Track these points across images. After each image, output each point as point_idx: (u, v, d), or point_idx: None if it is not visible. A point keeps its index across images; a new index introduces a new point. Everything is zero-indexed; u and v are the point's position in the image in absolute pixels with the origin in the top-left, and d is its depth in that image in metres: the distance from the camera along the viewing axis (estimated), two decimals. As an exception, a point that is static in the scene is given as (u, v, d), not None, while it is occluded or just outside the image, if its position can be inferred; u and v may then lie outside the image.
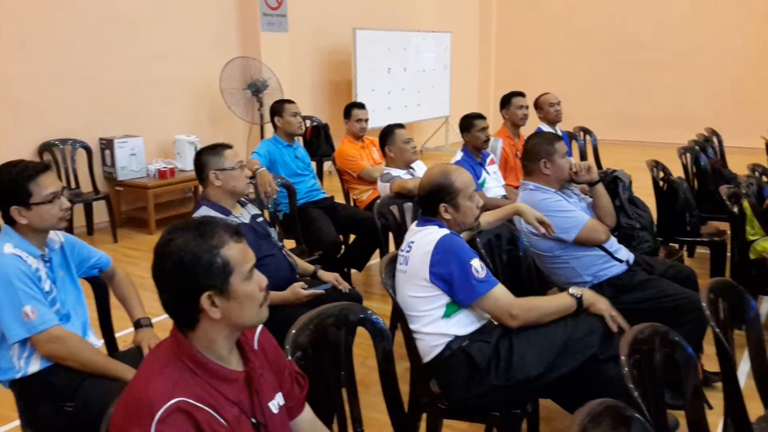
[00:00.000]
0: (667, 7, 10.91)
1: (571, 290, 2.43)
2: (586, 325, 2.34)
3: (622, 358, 1.69)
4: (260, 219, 3.13)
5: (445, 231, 2.40)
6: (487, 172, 4.46)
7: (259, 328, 1.63)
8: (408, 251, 2.42)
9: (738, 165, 5.64)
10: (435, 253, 2.32)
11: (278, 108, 4.62)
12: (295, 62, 8.18)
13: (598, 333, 2.32)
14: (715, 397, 2.62)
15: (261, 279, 1.50)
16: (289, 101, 4.68)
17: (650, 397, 1.73)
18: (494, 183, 4.51)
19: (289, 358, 1.82)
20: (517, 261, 3.00)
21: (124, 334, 3.04)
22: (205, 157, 2.92)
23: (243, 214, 3.01)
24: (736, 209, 3.63)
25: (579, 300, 2.38)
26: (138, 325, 2.50)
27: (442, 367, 2.33)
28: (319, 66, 8.96)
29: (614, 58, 11.36)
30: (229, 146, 2.99)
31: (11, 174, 2.20)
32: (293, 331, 1.90)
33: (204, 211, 2.83)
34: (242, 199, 3.08)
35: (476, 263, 2.32)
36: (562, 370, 2.24)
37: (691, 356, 1.85)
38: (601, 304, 2.41)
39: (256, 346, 1.60)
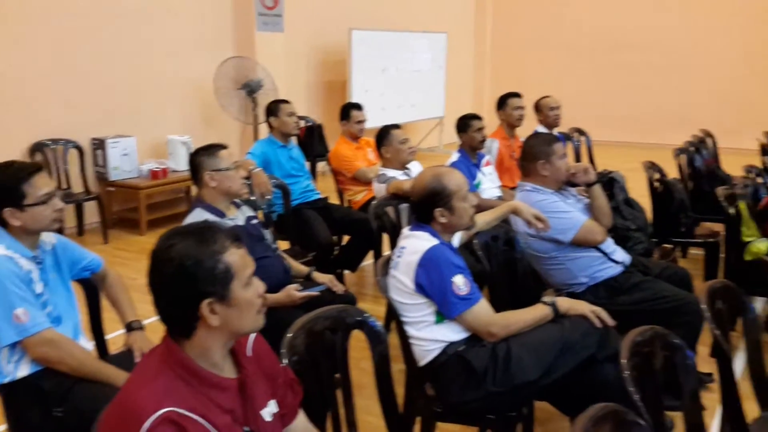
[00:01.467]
0: (663, 8, 10.92)
1: (545, 298, 2.43)
2: (583, 326, 2.32)
3: (623, 361, 1.67)
4: (255, 221, 3.10)
5: (434, 242, 2.36)
6: (483, 173, 4.45)
7: (253, 333, 1.60)
8: (399, 256, 2.40)
9: (732, 166, 5.66)
10: (420, 264, 2.30)
11: (274, 108, 4.59)
12: (290, 62, 8.14)
13: (595, 334, 2.31)
14: (707, 398, 2.61)
15: (259, 285, 1.48)
16: (285, 101, 4.66)
17: (649, 400, 1.72)
18: (490, 184, 4.49)
19: (285, 361, 1.80)
20: (513, 262, 2.98)
21: (114, 336, 3.00)
22: (200, 157, 2.89)
23: (237, 216, 2.98)
24: (732, 211, 3.63)
25: (554, 306, 2.37)
26: (129, 328, 2.46)
27: (438, 371, 2.31)
28: (314, 66, 8.93)
29: (609, 59, 11.37)
30: (224, 146, 2.96)
31: (4, 175, 2.16)
32: (290, 335, 1.88)
33: (198, 213, 2.79)
34: (236, 200, 3.05)
35: (459, 280, 2.28)
36: (559, 372, 2.22)
37: (691, 360, 1.84)
38: (579, 306, 2.40)
39: (249, 353, 1.57)
